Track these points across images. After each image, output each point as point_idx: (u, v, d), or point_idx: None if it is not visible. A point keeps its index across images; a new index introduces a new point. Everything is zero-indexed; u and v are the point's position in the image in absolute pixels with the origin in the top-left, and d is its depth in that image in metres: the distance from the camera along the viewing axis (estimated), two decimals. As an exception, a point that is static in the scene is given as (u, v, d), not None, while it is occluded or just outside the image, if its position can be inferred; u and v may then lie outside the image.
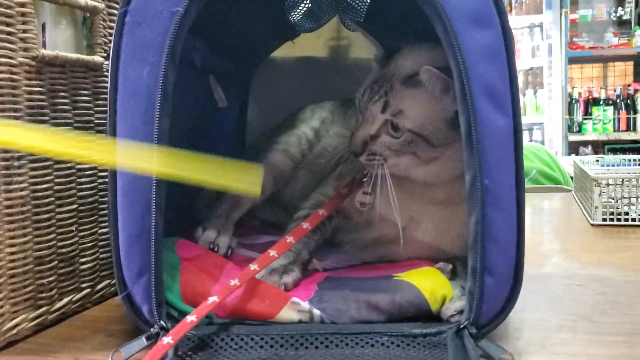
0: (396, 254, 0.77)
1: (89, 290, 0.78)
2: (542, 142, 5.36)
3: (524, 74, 5.32)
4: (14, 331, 0.66)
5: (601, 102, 5.29)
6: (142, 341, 0.61)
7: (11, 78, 0.65)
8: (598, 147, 5.42)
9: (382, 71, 0.73)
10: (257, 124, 1.26)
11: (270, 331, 0.63)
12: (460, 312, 0.62)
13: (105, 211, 0.80)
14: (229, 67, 1.04)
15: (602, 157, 3.03)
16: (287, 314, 0.64)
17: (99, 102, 0.79)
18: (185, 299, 0.65)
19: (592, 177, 1.19)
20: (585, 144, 5.40)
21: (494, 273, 0.59)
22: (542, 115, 5.22)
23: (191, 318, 0.58)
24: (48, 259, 0.71)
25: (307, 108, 1.02)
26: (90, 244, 0.78)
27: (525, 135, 5.49)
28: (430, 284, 0.65)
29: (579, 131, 5.39)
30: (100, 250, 0.80)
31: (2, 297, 0.64)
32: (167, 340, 0.56)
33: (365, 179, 0.75)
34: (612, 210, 1.17)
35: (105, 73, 0.80)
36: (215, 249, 0.77)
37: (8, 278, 0.65)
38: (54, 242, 0.72)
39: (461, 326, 0.60)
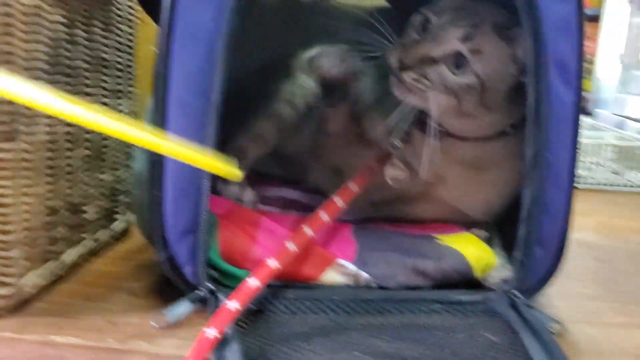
0: (417, 214, 0.76)
1: (92, 242, 0.72)
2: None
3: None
4: (28, 288, 0.60)
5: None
6: (189, 305, 0.58)
7: (37, 5, 0.56)
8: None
9: (466, 2, 0.68)
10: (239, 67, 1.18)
11: (318, 295, 0.61)
12: (505, 280, 0.63)
13: (113, 159, 0.74)
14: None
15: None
16: (332, 276, 0.63)
17: (112, 38, 0.71)
18: (225, 258, 0.62)
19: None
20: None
21: (544, 244, 0.61)
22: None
23: (255, 283, 0.55)
24: (59, 209, 0.64)
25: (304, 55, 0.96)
26: (96, 192, 0.72)
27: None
28: (474, 251, 0.66)
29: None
30: (104, 198, 0.74)
31: (19, 251, 0.58)
32: (235, 305, 0.53)
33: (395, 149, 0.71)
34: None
35: (119, 6, 0.71)
36: (240, 204, 0.73)
37: (23, 230, 0.58)
38: (64, 190, 0.65)
39: (511, 295, 0.61)
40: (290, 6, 1.15)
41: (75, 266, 0.69)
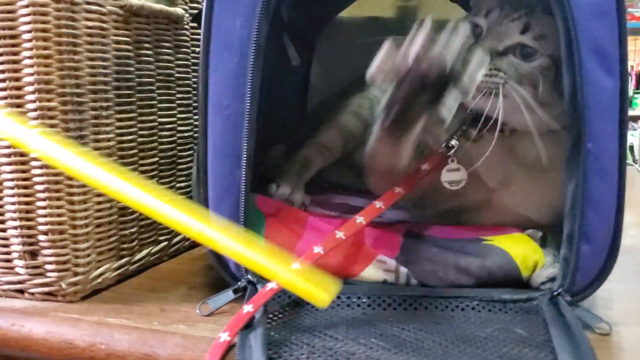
0: (477, 223, 0.74)
1: (165, 243, 0.79)
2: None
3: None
4: (99, 279, 0.67)
5: (654, 76, 5.12)
6: (230, 294, 0.62)
7: (101, 26, 0.65)
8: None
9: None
10: (320, 86, 1.24)
11: (357, 291, 0.62)
12: (552, 279, 0.61)
13: (183, 165, 0.80)
14: (299, 26, 1.02)
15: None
16: (372, 272, 0.64)
17: (180, 55, 0.79)
18: (270, 253, 0.65)
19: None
20: (635, 119, 5.25)
21: (591, 240, 0.58)
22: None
23: (296, 266, 0.58)
24: (130, 210, 0.71)
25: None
26: (167, 198, 0.79)
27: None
28: (522, 250, 0.64)
29: (630, 106, 5.24)
30: (177, 204, 0.80)
31: (89, 246, 0.65)
32: (272, 285, 0.56)
33: (450, 153, 0.69)
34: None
35: (186, 26, 0.79)
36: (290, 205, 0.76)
37: (95, 227, 0.66)
38: (136, 193, 0.72)
39: (555, 293, 0.58)
40: (373, 24, 1.19)
41: (150, 264, 0.76)
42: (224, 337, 0.53)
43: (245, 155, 0.60)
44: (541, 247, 0.66)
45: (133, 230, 0.72)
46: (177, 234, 0.81)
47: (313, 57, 1.22)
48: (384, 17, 1.21)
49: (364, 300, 0.61)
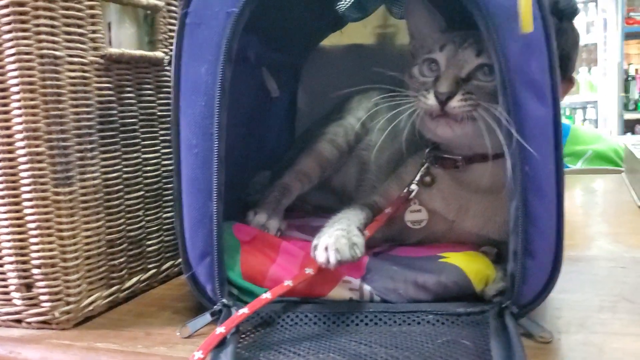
0: (440, 244, 0.80)
1: (155, 270, 0.85)
2: (596, 121, 5.24)
3: (577, 50, 5.18)
4: (91, 307, 0.73)
5: (659, 79, 5.12)
6: (207, 317, 0.67)
7: (83, 76, 0.71)
8: (656, 125, 5.25)
9: (452, 33, 0.75)
10: (307, 111, 1.29)
11: (324, 309, 0.67)
12: (502, 292, 0.65)
13: (169, 197, 0.86)
14: (281, 59, 1.08)
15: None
16: (339, 292, 0.69)
17: (161, 95, 0.85)
18: (246, 277, 0.71)
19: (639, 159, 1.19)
20: (642, 122, 5.25)
21: (535, 256, 0.62)
22: (596, 93, 5.09)
23: (266, 295, 0.64)
24: (118, 242, 0.77)
25: (353, 98, 1.05)
26: (155, 228, 0.85)
27: (578, 114, 5.41)
28: (474, 265, 0.69)
29: (635, 109, 5.24)
30: (165, 233, 0.86)
31: (79, 277, 0.71)
32: (243, 310, 0.62)
33: (411, 197, 0.78)
34: (661, 192, 1.17)
35: (167, 68, 0.85)
36: (265, 232, 0.82)
37: (84, 259, 0.72)
38: (123, 226, 0.78)
39: (503, 306, 0.63)
40: (354, 52, 1.24)
41: (139, 291, 0.82)
42: (198, 355, 0.58)
43: (215, 189, 0.66)
44: (496, 262, 0.71)
45: (122, 260, 0.78)
46: (166, 261, 0.87)
47: (299, 85, 1.28)
48: (365, 45, 1.27)
49: (329, 317, 0.66)
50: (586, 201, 1.33)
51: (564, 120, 2.94)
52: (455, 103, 0.69)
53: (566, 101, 5.24)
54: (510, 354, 0.54)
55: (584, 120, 5.38)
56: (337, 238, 0.66)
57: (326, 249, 0.65)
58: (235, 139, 0.88)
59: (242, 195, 0.96)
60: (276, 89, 1.01)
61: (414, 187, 0.78)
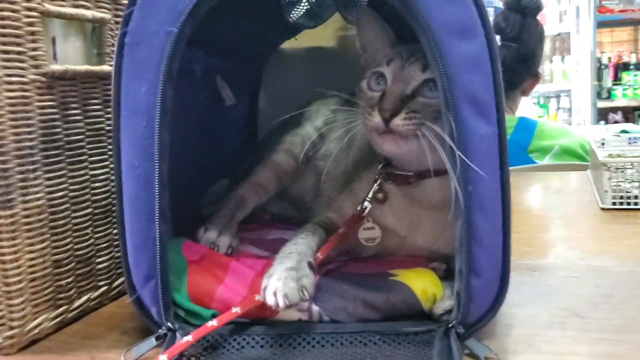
0: (392, 259, 0.80)
1: (105, 287, 0.83)
2: (570, 110, 5.29)
3: (551, 39, 5.22)
4: (36, 330, 0.71)
5: (631, 67, 5.18)
6: (152, 341, 0.66)
7: (23, 95, 0.69)
8: (628, 113, 5.32)
9: (399, 47, 0.74)
10: (269, 114, 1.28)
11: (271, 331, 0.67)
12: (450, 311, 0.65)
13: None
14: (236, 66, 1.06)
15: (625, 131, 2.98)
16: (288, 313, 0.68)
17: (109, 109, 0.82)
18: (193, 299, 0.70)
19: (601, 161, 1.19)
20: (614, 110, 5.31)
21: (480, 275, 0.62)
22: (570, 81, 5.13)
23: (212, 323, 0.63)
24: (66, 261, 0.76)
25: (312, 104, 1.04)
26: (105, 244, 0.83)
27: (552, 103, 5.45)
28: (422, 283, 0.68)
29: (609, 97, 5.30)
30: (116, 249, 0.85)
31: (23, 300, 0.69)
32: (187, 338, 0.61)
33: (365, 214, 0.77)
34: (621, 194, 1.18)
35: (113, 81, 0.83)
36: (216, 249, 0.80)
37: (28, 282, 0.70)
38: (70, 245, 0.76)
39: (450, 325, 0.63)
40: (315, 54, 1.23)
41: (90, 309, 0.80)
42: (139, 383, 0.57)
43: (158, 211, 0.65)
44: (445, 279, 0.71)
45: (70, 280, 0.77)
46: (118, 278, 0.85)
47: (260, 87, 1.26)
48: (326, 47, 1.26)
49: (276, 339, 0.65)
50: (549, 202, 1.33)
51: (533, 116, 2.96)
52: (398, 121, 0.68)
53: (540, 90, 5.28)
54: (452, 379, 0.54)
55: (558, 109, 5.43)
56: (285, 281, 0.64)
57: (275, 293, 0.64)
58: (187, 149, 0.87)
59: (197, 208, 0.95)
60: (231, 96, 1.00)
61: (367, 204, 0.77)
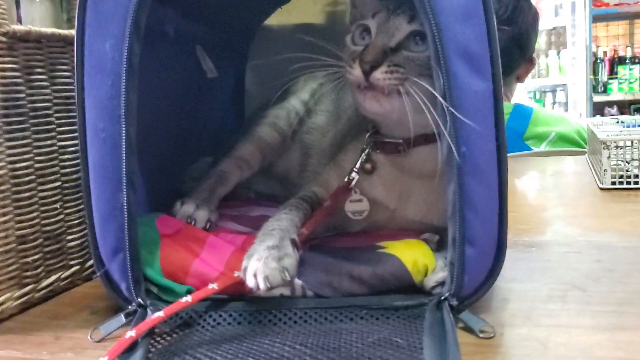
0: (383, 232, 0.75)
1: (78, 267, 0.78)
2: (566, 104, 5.26)
3: (546, 33, 5.19)
4: (-1, 310, 0.66)
5: (627, 61, 5.16)
6: (121, 318, 0.61)
7: (-20, 56, 0.64)
8: (624, 107, 5.30)
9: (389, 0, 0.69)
10: (256, 93, 1.24)
11: (250, 307, 0.62)
12: (442, 283, 0.60)
13: (92, 188, 0.80)
14: (219, 37, 1.01)
15: (617, 119, 2.95)
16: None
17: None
18: (166, 274, 0.65)
19: (600, 139, 1.15)
20: (610, 104, 5.28)
21: (475, 243, 0.57)
22: (566, 76, 5.10)
23: (186, 299, 0.58)
24: (32, 237, 0.71)
25: (300, 79, 0.99)
26: (77, 221, 0.78)
27: (548, 97, 5.42)
28: (412, 255, 0.63)
29: (604, 91, 5.28)
30: (89, 226, 0.80)
31: (-17, 277, 0.65)
32: (158, 314, 0.56)
33: (352, 185, 0.72)
34: (621, 173, 1.13)
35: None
36: (193, 223, 0.75)
37: (-12, 258, 0.65)
38: (37, 220, 0.71)
39: (442, 298, 0.58)
40: (303, 31, 1.18)
41: (60, 290, 0.75)
42: (103, 361, 0.52)
43: (125, 179, 0.60)
44: (437, 250, 0.66)
45: (36, 257, 0.71)
46: (90, 258, 0.80)
47: (246, 65, 1.22)
48: (314, 24, 1.22)
49: (256, 316, 0.61)
50: (546, 184, 1.29)
51: (528, 103, 2.92)
52: (379, 75, 0.63)
53: (535, 84, 5.25)
54: (445, 352, 0.49)
55: (554, 103, 5.40)
56: (266, 262, 0.59)
57: (255, 275, 0.58)
58: (164, 118, 0.82)
59: (177, 184, 0.90)
60: (213, 69, 0.95)
61: (354, 175, 0.72)
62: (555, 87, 5.36)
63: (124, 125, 0.59)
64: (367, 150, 0.73)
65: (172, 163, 0.88)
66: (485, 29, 0.56)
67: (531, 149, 1.99)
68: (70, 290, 0.77)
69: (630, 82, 5.18)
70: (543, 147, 2.02)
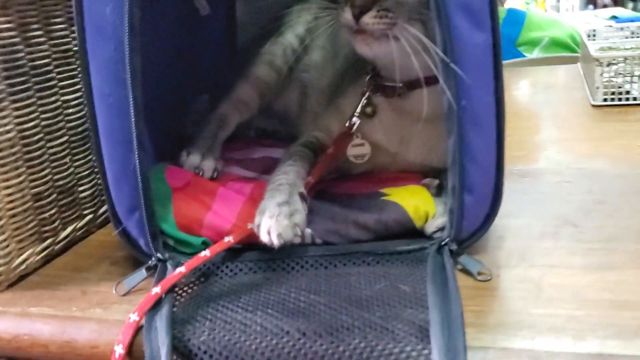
0: (384, 175, 0.78)
1: (91, 216, 0.81)
2: (558, -5, 5.15)
3: None
4: (23, 266, 0.70)
5: (622, -53, 4.98)
6: (143, 272, 0.65)
7: (-25, 18, 0.63)
8: (618, -5, 5.18)
9: None
10: (248, 23, 1.21)
11: (263, 256, 0.65)
12: (442, 228, 0.64)
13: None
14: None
15: (614, 17, 2.90)
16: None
17: (75, 27, 0.77)
18: (181, 227, 0.68)
19: (593, 56, 1.15)
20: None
21: (474, 191, 0.60)
22: (558, -34, 4.94)
23: (205, 253, 0.62)
24: (46, 193, 0.73)
25: (293, 10, 0.98)
26: (87, 172, 0.80)
27: (540, -10, 5.29)
28: (414, 202, 0.67)
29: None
30: (98, 176, 0.82)
31: (6, 237, 0.68)
32: (180, 269, 0.60)
33: (353, 130, 0.74)
34: (613, 90, 1.15)
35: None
36: (200, 174, 0.78)
37: (9, 218, 0.68)
38: (49, 176, 0.74)
39: (442, 242, 0.62)
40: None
41: (77, 239, 0.79)
42: (134, 317, 0.57)
43: (136, 140, 0.61)
44: (437, 195, 0.70)
45: (53, 212, 0.74)
46: (103, 204, 0.83)
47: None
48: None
49: (269, 265, 0.64)
50: (539, 101, 1.30)
51: (521, 7, 2.87)
52: (368, 19, 0.64)
53: (528, -24, 5.10)
54: (447, 298, 0.53)
55: (546, -5, 5.27)
56: (278, 219, 0.62)
57: (269, 232, 0.61)
58: (163, 70, 0.82)
59: (179, 127, 0.91)
60: (205, 5, 0.93)
61: (355, 119, 0.73)
62: (547, -23, 5.22)
63: (130, 89, 0.60)
64: (367, 94, 0.74)
65: (172, 109, 0.89)
66: (485, -20, 0.56)
67: (524, 56, 1.99)
68: (87, 239, 0.80)
69: (624, -30, 5.04)
70: (536, 53, 2.01)
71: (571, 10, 4.92)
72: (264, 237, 0.61)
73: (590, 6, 5.06)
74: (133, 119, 0.61)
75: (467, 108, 0.58)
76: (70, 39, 0.76)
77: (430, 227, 0.65)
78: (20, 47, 0.69)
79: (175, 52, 0.88)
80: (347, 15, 0.65)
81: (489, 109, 0.59)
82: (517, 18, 2.01)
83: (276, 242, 0.61)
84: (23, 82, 0.69)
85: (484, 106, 0.59)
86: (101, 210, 0.83)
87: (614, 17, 3.07)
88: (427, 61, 0.62)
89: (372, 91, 0.74)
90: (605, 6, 4.90)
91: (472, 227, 0.62)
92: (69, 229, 0.77)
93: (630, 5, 5.03)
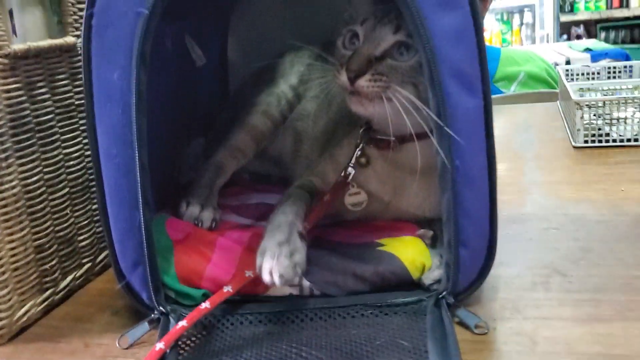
0: (377, 222, 0.80)
1: (90, 264, 0.82)
2: (533, 25, 5.28)
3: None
4: (25, 318, 0.71)
5: (594, -21, 5.15)
6: (145, 326, 0.66)
7: (-15, 80, 0.65)
8: (590, 26, 5.33)
9: (378, 6, 0.72)
10: (240, 62, 1.24)
11: (263, 308, 0.67)
12: (439, 280, 0.66)
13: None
14: (202, 15, 1.02)
15: (589, 49, 2.96)
16: (279, 288, 0.69)
17: (77, 82, 0.79)
18: (182, 280, 0.70)
19: (574, 100, 1.20)
20: (577, 24, 5.31)
21: (468, 246, 0.63)
22: (533, -5, 5.09)
23: (205, 305, 0.63)
24: (48, 245, 0.74)
25: (285, 59, 1.01)
26: (86, 222, 0.81)
27: (515, 18, 5.43)
28: (410, 253, 0.69)
29: (571, 10, 5.30)
30: (96, 224, 0.83)
31: (9, 291, 0.69)
32: (182, 323, 0.61)
33: (349, 179, 0.76)
34: (593, 132, 1.19)
35: (80, 52, 0.79)
36: (200, 225, 0.80)
37: (12, 272, 0.69)
38: (51, 228, 0.75)
39: (440, 295, 0.64)
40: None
41: (77, 287, 0.80)
42: (139, 374, 0.58)
43: (141, 198, 0.63)
44: (431, 246, 0.72)
45: (53, 263, 0.75)
46: (101, 252, 0.84)
47: (229, 34, 1.21)
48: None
49: (270, 318, 0.66)
50: (521, 141, 1.34)
51: (495, 25, 2.93)
52: (363, 82, 0.67)
53: (503, 5, 5.25)
54: (447, 353, 0.56)
55: (521, 24, 5.41)
56: (279, 260, 0.64)
57: (270, 273, 0.64)
58: (162, 121, 0.84)
59: (175, 174, 0.93)
60: (201, 56, 0.96)
61: (350, 169, 0.76)
62: (522, 7, 5.36)
63: (136, 150, 0.62)
64: (361, 145, 0.77)
65: (170, 155, 0.91)
66: (477, 49, 0.60)
67: (502, 92, 2.04)
68: (85, 287, 0.81)
69: (597, 1, 5.20)
70: (513, 89, 2.07)
71: (546, 40, 5.05)
72: (266, 278, 0.64)
73: (565, 36, 5.20)
74: (139, 179, 0.62)
75: (460, 167, 0.61)
76: (73, 94, 0.79)
77: (427, 280, 0.67)
78: (26, 104, 0.71)
79: (173, 102, 0.91)
80: (343, 77, 0.68)
81: (481, 168, 0.62)
82: (492, 55, 2.07)
83: (278, 282, 0.63)
84: (28, 139, 0.71)
85: (476, 165, 0.62)
86: (99, 258, 0.84)
87: (587, 50, 3.17)
88: (418, 119, 0.65)
89: (365, 143, 0.77)
90: (578, 37, 5.04)
91: (467, 280, 0.65)
92: (69, 278, 0.78)
93: (603, 35, 5.19)
